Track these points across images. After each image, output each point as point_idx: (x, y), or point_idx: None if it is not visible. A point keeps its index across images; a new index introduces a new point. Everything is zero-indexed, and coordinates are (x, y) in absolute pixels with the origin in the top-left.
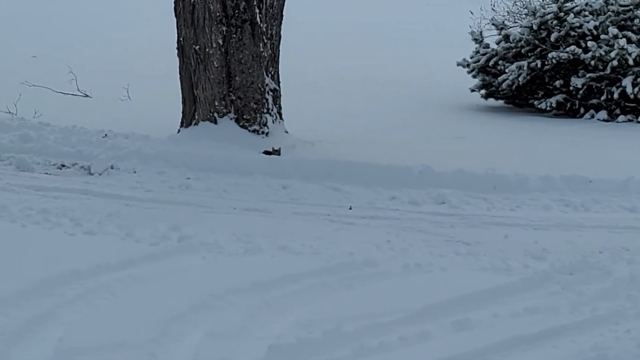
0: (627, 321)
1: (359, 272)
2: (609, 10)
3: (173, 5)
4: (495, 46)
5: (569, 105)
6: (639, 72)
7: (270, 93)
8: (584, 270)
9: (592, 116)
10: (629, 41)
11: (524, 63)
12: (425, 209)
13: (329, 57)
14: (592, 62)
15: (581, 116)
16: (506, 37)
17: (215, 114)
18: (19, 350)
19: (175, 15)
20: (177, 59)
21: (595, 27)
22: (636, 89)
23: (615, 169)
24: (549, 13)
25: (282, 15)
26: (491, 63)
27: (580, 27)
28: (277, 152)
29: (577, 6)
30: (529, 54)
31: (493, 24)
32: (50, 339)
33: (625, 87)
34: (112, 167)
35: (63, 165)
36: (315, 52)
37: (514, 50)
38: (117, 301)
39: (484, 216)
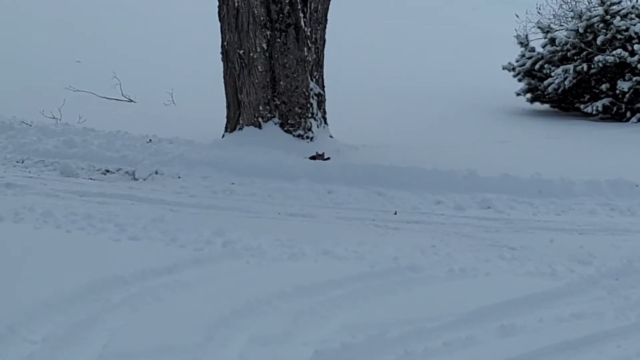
0: None
1: (404, 277)
2: None
3: (217, 9)
4: (541, 50)
5: (615, 109)
6: None
7: (315, 97)
8: (630, 275)
9: (639, 120)
10: None
11: (570, 67)
12: (470, 214)
13: (373, 61)
14: (639, 66)
15: (627, 120)
16: (552, 41)
17: (260, 119)
18: (65, 356)
19: (219, 20)
20: (221, 63)
21: None
22: None
23: None
24: (595, 16)
25: (326, 20)
26: (537, 67)
27: (627, 30)
28: (321, 156)
29: (623, 9)
30: (575, 58)
31: (539, 27)
32: (95, 344)
33: None
34: (156, 172)
35: (107, 171)
36: (358, 56)
37: (559, 53)
38: (162, 306)
39: (530, 221)
